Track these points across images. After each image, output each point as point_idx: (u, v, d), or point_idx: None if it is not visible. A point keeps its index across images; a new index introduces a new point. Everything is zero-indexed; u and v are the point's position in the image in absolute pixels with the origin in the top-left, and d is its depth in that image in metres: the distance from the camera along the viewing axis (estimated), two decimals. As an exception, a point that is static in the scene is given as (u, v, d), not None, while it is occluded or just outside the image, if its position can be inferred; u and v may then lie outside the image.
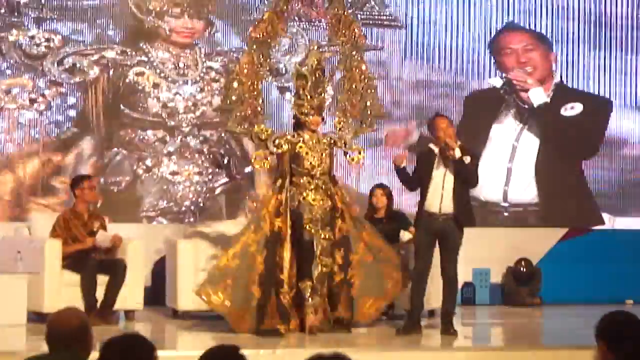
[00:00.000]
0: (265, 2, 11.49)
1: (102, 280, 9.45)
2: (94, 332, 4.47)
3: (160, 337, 9.10)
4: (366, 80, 9.29)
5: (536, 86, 12.45)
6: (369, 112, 9.32)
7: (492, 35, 12.44)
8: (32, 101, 11.21)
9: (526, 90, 12.46)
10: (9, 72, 11.19)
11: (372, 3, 12.05)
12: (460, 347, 8.81)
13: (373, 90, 9.33)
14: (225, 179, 11.62)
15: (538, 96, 12.47)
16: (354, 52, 9.26)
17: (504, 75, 12.43)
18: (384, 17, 12.11)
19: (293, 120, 9.34)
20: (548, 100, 12.47)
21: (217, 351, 4.00)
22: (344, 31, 9.25)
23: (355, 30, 9.28)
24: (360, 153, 9.32)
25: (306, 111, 9.02)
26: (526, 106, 12.44)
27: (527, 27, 12.57)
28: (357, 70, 9.25)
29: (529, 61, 12.52)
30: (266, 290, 8.73)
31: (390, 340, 8.89)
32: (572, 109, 12.56)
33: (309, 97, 9.02)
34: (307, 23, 11.79)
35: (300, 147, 9.00)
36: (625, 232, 12.55)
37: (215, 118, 11.45)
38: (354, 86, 9.25)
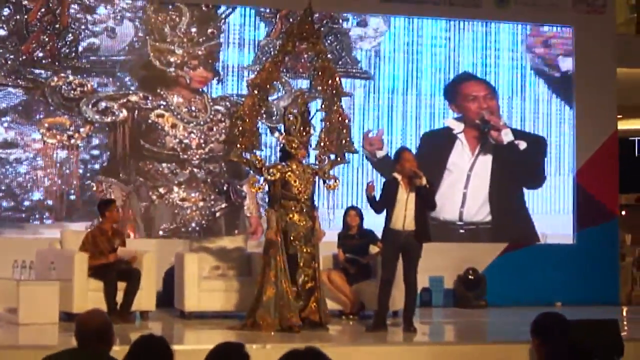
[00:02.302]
0: (260, 55, 11.56)
1: (121, 286, 9.41)
2: (115, 330, 4.46)
3: (169, 334, 9.05)
4: (342, 122, 9.30)
5: (506, 128, 12.49)
6: (343, 149, 9.34)
7: (446, 84, 12.47)
8: (70, 137, 11.20)
9: (498, 130, 12.49)
10: (50, 112, 11.16)
11: (347, 59, 12.11)
12: (419, 342, 8.78)
13: (346, 130, 9.34)
14: (225, 204, 11.63)
15: (508, 135, 12.51)
16: (335, 99, 9.27)
17: (481, 116, 12.43)
18: (355, 71, 12.16)
19: (279, 153, 9.36)
20: (514, 138, 12.50)
21: (224, 347, 3.97)
22: (326, 80, 9.26)
23: (336, 80, 9.31)
24: (335, 181, 9.33)
25: (295, 146, 9.03)
26: (493, 142, 12.45)
27: (481, 77, 12.61)
28: (336, 114, 9.27)
29: (489, 107, 12.56)
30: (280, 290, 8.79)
31: (360, 337, 8.88)
32: (519, 145, 12.62)
33: (298, 134, 9.05)
34: (293, 73, 11.83)
35: (289, 175, 9.00)
36: (555, 245, 12.56)
37: (219, 152, 11.47)
38: (331, 126, 9.26)
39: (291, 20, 11.54)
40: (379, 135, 12.20)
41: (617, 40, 13.01)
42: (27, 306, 8.90)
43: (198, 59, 11.63)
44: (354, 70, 12.14)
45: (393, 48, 12.32)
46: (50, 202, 11.10)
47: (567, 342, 4.44)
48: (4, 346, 7.85)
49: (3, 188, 11.00)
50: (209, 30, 11.69)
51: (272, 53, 10.96)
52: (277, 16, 11.89)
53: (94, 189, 11.21)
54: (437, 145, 12.38)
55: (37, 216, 11.08)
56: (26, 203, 11.06)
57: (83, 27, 11.29)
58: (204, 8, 11.70)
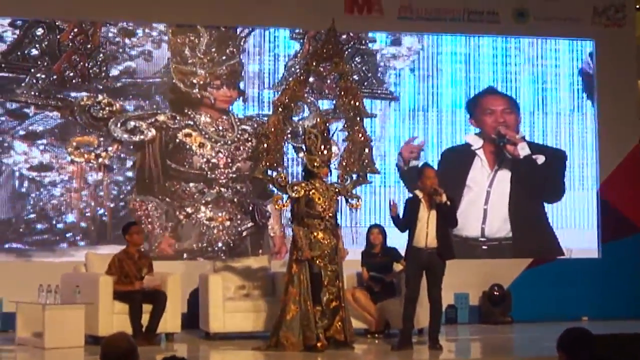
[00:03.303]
0: (287, 75, 11.61)
1: (147, 308, 9.43)
2: (140, 352, 4.47)
3: (195, 355, 9.09)
4: (364, 142, 9.31)
5: (522, 142, 12.47)
6: (365, 169, 9.35)
7: (470, 98, 12.46)
8: (97, 156, 11.27)
9: (514, 144, 12.48)
10: (79, 131, 11.25)
11: (372, 80, 12.15)
12: (445, 359, 8.75)
13: (369, 150, 9.35)
14: (251, 224, 11.64)
15: (525, 149, 12.48)
16: (357, 118, 9.29)
17: (497, 130, 12.42)
18: (380, 91, 12.19)
19: (302, 172, 9.37)
20: (530, 152, 12.48)
21: None
22: (349, 100, 9.29)
23: (359, 100, 9.33)
24: (358, 200, 9.33)
25: (317, 164, 9.05)
26: (510, 157, 12.44)
27: (505, 92, 12.60)
28: (358, 134, 9.28)
29: (505, 122, 12.53)
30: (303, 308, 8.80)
31: (386, 355, 8.85)
32: (537, 159, 12.58)
33: (319, 152, 9.06)
34: (319, 94, 11.86)
35: (313, 193, 9.01)
36: (580, 260, 12.49)
37: (246, 172, 11.51)
38: (354, 146, 9.27)
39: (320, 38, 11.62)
40: (421, 145, 12.20)
41: (638, 52, 12.96)
42: (52, 330, 8.93)
43: (220, 78, 11.68)
44: (379, 91, 12.15)
45: (414, 65, 12.33)
46: (83, 225, 11.15)
47: (593, 357, 4.41)
48: (31, 370, 7.89)
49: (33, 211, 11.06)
50: (229, 50, 11.73)
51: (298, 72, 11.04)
52: (305, 37, 11.93)
53: (125, 209, 11.25)
54: (457, 162, 12.36)
55: (68, 239, 11.13)
56: (59, 226, 11.12)
57: (114, 47, 11.38)
58: (222, 29, 11.76)
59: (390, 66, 12.26)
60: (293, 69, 11.73)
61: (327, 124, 9.33)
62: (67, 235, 11.16)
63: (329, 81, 11.65)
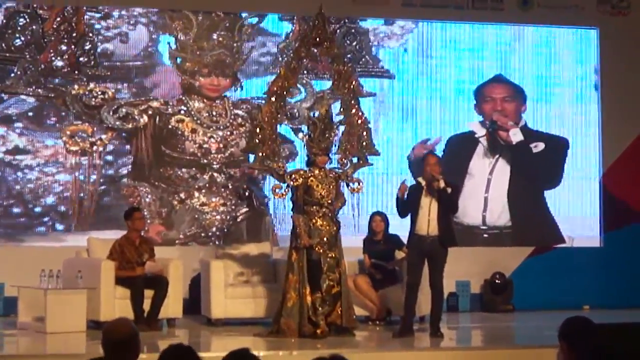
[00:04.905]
0: (280, 59, 11.57)
1: (149, 293, 9.43)
2: (142, 337, 4.47)
3: (196, 341, 9.09)
4: (362, 124, 9.28)
5: (515, 127, 12.44)
6: (364, 151, 9.32)
7: (479, 85, 12.43)
8: (92, 144, 11.25)
9: (506, 130, 12.45)
10: (72, 120, 11.21)
11: (367, 58, 12.08)
12: (446, 347, 8.75)
13: (367, 132, 9.31)
14: (246, 209, 11.62)
15: (517, 135, 12.45)
16: (352, 101, 9.26)
17: (491, 117, 12.40)
18: (376, 70, 12.14)
19: (306, 158, 9.36)
20: (523, 138, 12.45)
21: (234, 355, 3.92)
22: (344, 83, 9.26)
23: (354, 82, 9.30)
24: (359, 184, 9.31)
25: (315, 152, 9.04)
26: (503, 143, 12.41)
27: (511, 80, 12.54)
28: (355, 117, 9.25)
29: (503, 110, 12.50)
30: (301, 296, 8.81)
31: (387, 342, 8.86)
32: (537, 147, 12.56)
33: (318, 140, 9.04)
34: (313, 74, 11.80)
35: (312, 180, 9.00)
36: (582, 249, 12.49)
37: (240, 157, 11.48)
38: (352, 129, 9.24)
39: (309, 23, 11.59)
40: (436, 141, 12.16)
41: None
42: (54, 315, 8.94)
43: (214, 65, 11.61)
44: (375, 70, 12.10)
45: (417, 53, 12.29)
46: (62, 209, 11.10)
47: (594, 346, 4.40)
48: (33, 355, 7.92)
49: (14, 194, 10.99)
50: (221, 37, 11.66)
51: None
52: (295, 18, 11.88)
53: (119, 194, 11.24)
54: (461, 149, 12.34)
55: (49, 223, 11.08)
56: (37, 210, 11.06)
57: (100, 32, 11.33)
58: (221, 15, 11.69)
59: (393, 46, 12.18)
60: (286, 51, 11.66)
61: (329, 111, 9.25)
62: (55, 220, 11.09)
63: (321, 62, 11.51)
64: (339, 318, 8.91)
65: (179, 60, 11.53)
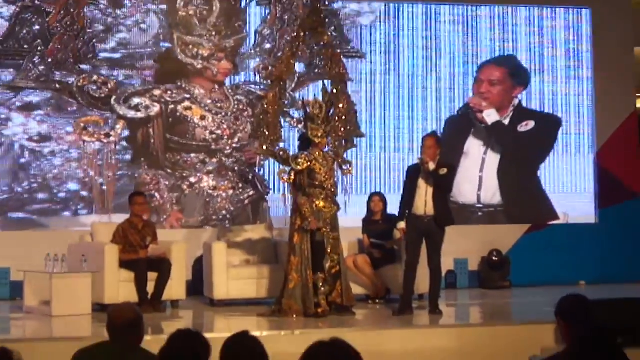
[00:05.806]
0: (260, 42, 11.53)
1: (152, 276, 9.46)
2: (146, 319, 4.50)
3: (200, 322, 9.16)
4: (348, 108, 9.28)
5: (489, 108, 12.42)
6: (351, 133, 9.30)
7: (479, 65, 12.44)
8: (107, 135, 11.24)
9: (481, 112, 12.44)
10: (82, 112, 11.19)
11: (338, 40, 11.97)
12: (445, 324, 8.79)
13: (353, 114, 9.33)
14: (252, 192, 11.64)
15: (491, 116, 12.44)
16: (340, 86, 9.25)
17: (465, 100, 12.44)
18: (349, 50, 12.04)
19: (298, 141, 9.36)
20: (500, 119, 12.42)
21: (234, 338, 3.89)
22: (334, 68, 9.26)
23: (342, 67, 9.30)
24: (350, 166, 9.31)
25: (319, 134, 9.04)
26: (483, 125, 12.42)
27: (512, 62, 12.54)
28: (343, 101, 9.23)
29: (486, 93, 12.48)
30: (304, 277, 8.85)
31: (387, 320, 8.89)
32: (527, 126, 12.56)
33: (323, 124, 9.04)
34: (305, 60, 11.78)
35: (314, 163, 9.01)
36: (577, 225, 12.52)
37: (244, 141, 11.48)
38: (340, 112, 9.23)
39: (285, 5, 11.60)
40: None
41: (634, 19, 12.91)
42: (60, 298, 8.98)
43: (225, 51, 11.62)
44: (346, 50, 11.93)
45: (412, 33, 12.27)
46: (84, 194, 11.15)
47: (591, 323, 4.43)
48: (39, 338, 7.93)
49: (40, 181, 11.04)
50: (232, 23, 11.67)
51: (272, 38, 11.28)
52: (271, 1, 11.83)
53: (132, 180, 11.26)
54: (457, 130, 12.35)
55: (72, 208, 11.13)
56: (61, 195, 11.10)
57: (101, 21, 11.31)
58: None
59: (364, 24, 12.14)
60: (265, 34, 11.62)
61: (330, 97, 9.26)
62: (70, 204, 11.14)
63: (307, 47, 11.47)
64: (339, 297, 8.95)
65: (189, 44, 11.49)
